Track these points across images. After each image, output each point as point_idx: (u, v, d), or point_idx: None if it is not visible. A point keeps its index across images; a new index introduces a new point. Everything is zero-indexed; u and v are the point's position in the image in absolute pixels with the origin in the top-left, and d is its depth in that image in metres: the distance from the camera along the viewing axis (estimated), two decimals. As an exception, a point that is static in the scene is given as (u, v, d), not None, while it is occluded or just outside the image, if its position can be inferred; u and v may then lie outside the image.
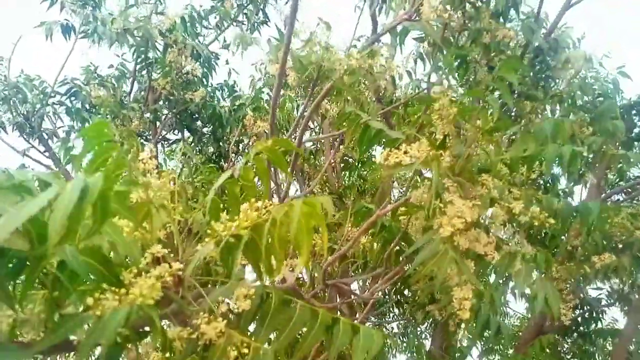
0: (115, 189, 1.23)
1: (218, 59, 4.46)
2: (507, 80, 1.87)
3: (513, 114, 3.25)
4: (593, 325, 4.95)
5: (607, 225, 3.42)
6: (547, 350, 3.71)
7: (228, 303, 1.35)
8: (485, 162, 1.98)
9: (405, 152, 1.74)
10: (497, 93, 2.35)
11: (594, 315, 4.97)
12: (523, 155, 1.85)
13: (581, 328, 4.94)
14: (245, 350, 1.24)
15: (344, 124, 1.95)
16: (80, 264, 1.03)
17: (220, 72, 6.60)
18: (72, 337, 1.08)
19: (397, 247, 2.71)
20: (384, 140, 1.92)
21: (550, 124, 1.69)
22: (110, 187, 0.85)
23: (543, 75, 3.27)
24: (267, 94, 4.57)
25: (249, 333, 1.38)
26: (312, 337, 1.37)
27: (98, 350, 1.25)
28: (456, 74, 3.24)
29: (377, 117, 2.79)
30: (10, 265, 0.92)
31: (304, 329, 1.38)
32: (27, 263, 1.00)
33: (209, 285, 1.57)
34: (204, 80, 4.50)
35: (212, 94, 4.62)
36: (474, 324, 3.00)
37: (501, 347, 4.54)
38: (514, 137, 2.85)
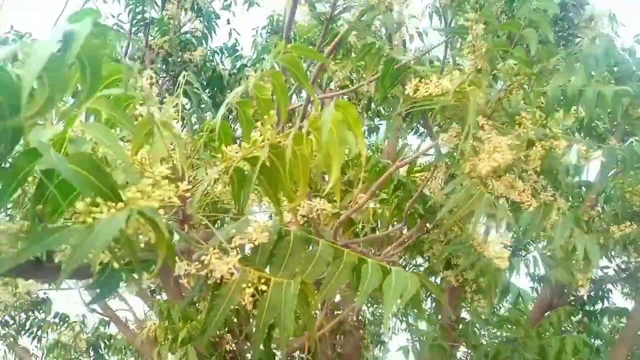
0: (114, 93, 1.05)
1: (218, 18, 4.24)
2: (547, 10, 1.69)
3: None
4: (600, 305, 4.85)
5: (628, 194, 3.28)
6: (554, 326, 3.56)
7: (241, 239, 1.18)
8: (517, 107, 1.80)
9: (437, 86, 1.56)
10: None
11: (600, 294, 4.87)
12: (562, 92, 1.68)
13: (587, 307, 4.83)
14: (264, 287, 1.06)
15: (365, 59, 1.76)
16: (71, 172, 0.85)
17: (221, 35, 6.26)
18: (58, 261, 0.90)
19: (411, 210, 2.55)
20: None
21: (601, 45, 1.51)
22: (104, 43, 0.66)
23: (565, 34, 3.09)
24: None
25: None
26: (336, 279, 1.19)
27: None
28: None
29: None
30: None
31: (327, 271, 1.20)
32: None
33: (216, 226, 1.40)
34: (203, 42, 4.29)
35: (211, 57, 4.40)
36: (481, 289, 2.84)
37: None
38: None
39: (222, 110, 1.21)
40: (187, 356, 2.89)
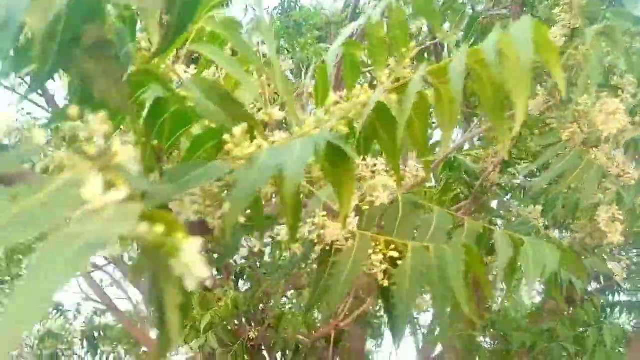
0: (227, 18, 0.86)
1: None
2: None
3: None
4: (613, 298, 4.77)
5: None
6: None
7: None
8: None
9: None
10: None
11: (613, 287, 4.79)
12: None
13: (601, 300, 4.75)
14: (393, 254, 0.88)
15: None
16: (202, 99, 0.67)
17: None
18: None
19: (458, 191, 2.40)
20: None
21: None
22: None
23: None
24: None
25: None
26: (461, 250, 1.02)
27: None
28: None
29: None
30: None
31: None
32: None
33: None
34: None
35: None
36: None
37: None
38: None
39: (334, 53, 1.02)
40: (207, 343, 2.70)
